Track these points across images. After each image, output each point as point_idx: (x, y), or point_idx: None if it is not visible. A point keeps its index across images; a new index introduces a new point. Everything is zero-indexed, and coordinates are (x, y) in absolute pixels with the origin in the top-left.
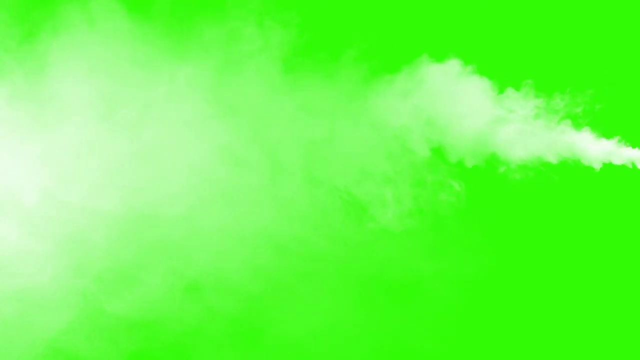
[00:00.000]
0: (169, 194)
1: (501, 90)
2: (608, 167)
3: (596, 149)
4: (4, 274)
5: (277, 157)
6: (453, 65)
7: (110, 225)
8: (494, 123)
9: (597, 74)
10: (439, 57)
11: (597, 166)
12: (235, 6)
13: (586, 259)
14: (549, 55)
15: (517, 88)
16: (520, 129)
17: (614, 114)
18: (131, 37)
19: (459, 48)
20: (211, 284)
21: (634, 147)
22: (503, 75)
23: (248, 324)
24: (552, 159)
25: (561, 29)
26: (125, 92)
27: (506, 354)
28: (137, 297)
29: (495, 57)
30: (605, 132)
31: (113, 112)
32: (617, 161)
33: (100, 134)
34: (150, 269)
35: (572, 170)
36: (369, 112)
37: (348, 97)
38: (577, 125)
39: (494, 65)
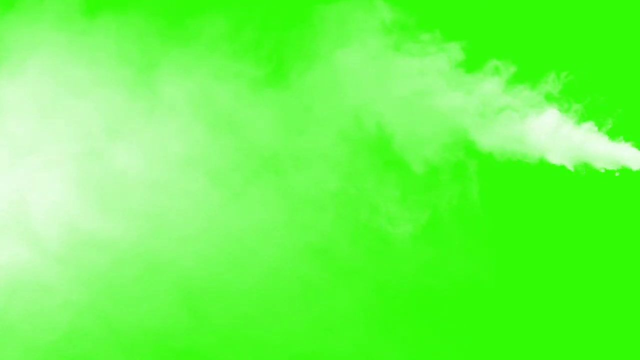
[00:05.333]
0: (176, 207)
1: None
2: (622, 169)
3: (603, 149)
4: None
5: (276, 166)
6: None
7: (116, 238)
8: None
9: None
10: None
11: (610, 167)
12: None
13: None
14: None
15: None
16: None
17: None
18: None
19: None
20: (217, 296)
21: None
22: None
23: (257, 338)
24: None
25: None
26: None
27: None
28: (143, 311)
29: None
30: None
31: (114, 126)
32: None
33: (101, 150)
34: (156, 282)
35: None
36: (367, 113)
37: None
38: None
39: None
